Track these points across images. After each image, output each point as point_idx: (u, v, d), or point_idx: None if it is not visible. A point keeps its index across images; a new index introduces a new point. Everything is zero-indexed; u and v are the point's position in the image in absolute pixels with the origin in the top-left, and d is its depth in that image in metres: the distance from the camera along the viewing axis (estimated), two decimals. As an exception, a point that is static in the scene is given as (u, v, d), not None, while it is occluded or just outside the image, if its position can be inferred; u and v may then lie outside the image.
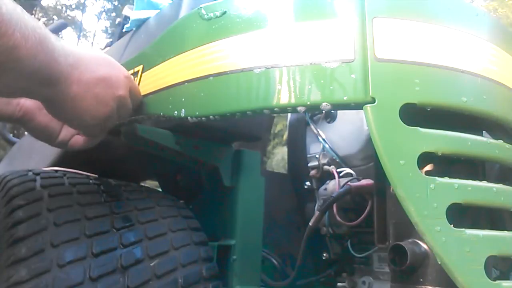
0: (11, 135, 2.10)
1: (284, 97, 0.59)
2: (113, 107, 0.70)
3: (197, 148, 0.99)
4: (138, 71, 0.80)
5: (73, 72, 0.63)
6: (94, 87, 0.66)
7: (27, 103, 0.74)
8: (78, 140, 0.79)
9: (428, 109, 0.59)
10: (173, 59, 0.72)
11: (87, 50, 0.68)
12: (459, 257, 0.55)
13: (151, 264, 0.76)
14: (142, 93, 0.77)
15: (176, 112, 0.69)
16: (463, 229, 0.56)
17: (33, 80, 0.58)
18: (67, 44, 0.63)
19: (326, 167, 1.14)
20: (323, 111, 1.15)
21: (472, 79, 0.62)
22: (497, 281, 0.57)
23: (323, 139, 1.15)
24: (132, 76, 0.76)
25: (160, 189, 1.33)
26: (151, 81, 0.76)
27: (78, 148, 0.79)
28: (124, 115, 0.75)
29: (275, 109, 0.60)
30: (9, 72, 0.54)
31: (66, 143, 0.78)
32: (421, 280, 0.61)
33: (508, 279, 0.88)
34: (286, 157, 1.43)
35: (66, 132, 0.78)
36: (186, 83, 0.68)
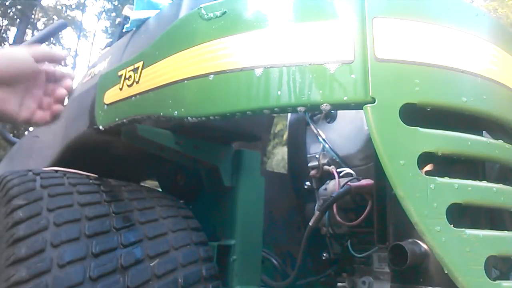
0: (11, 135, 2.11)
1: (284, 97, 0.59)
2: None
3: (197, 148, 0.99)
4: (138, 67, 0.80)
5: None
6: None
7: None
8: (41, 116, 0.76)
9: (428, 109, 0.59)
10: (173, 57, 0.72)
11: None
12: (459, 257, 0.55)
13: (151, 264, 0.76)
14: (142, 90, 0.76)
15: (176, 112, 0.69)
16: (463, 229, 0.56)
17: None
18: None
19: (326, 167, 1.14)
20: (323, 111, 1.15)
21: (472, 79, 0.62)
22: (497, 281, 0.57)
23: (323, 139, 1.15)
24: None
25: (160, 189, 1.33)
26: (151, 77, 0.76)
27: (44, 123, 0.76)
28: None
29: (275, 109, 0.60)
30: None
31: (30, 120, 0.76)
32: (421, 280, 0.61)
33: (508, 279, 0.87)
34: (286, 157, 1.43)
35: (26, 110, 0.75)
36: (186, 81, 0.68)
